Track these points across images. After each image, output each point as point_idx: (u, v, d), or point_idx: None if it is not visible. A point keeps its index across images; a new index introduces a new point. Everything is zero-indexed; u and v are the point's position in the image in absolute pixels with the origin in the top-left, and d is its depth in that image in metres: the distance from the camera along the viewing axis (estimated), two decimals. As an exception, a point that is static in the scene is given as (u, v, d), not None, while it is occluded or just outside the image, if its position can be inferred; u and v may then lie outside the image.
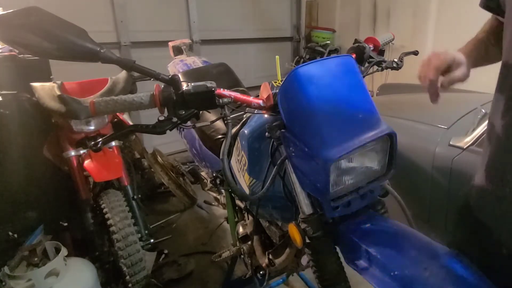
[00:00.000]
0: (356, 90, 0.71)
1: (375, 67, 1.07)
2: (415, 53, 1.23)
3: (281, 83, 0.71)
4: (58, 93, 1.48)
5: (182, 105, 0.68)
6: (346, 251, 0.73)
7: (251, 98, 0.76)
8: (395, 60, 1.10)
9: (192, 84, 0.68)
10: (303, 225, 0.74)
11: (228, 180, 0.68)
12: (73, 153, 1.59)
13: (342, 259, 0.76)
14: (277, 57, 0.96)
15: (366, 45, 1.03)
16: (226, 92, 0.72)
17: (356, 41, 1.05)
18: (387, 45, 1.18)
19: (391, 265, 0.60)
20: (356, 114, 0.68)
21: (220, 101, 0.71)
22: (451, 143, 1.34)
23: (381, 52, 1.13)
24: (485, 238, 0.67)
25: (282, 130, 0.72)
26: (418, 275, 0.56)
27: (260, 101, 0.75)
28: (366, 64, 1.04)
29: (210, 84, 0.69)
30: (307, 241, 0.74)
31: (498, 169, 0.64)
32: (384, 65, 1.07)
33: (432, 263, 0.57)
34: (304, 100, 0.68)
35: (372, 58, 1.04)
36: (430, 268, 0.56)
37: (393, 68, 1.10)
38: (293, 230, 0.75)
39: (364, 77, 0.98)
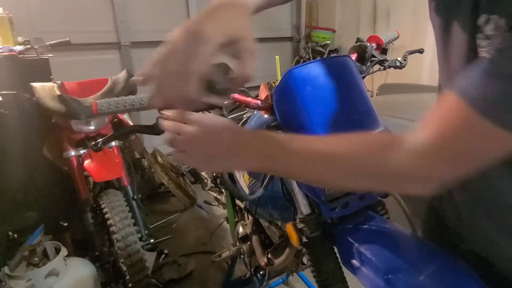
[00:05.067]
0: (353, 91, 0.70)
1: (378, 66, 1.06)
2: (420, 51, 1.21)
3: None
4: (58, 93, 1.48)
5: None
6: (342, 251, 0.73)
7: (249, 99, 0.76)
8: (399, 58, 1.09)
9: (190, 85, 0.68)
10: (300, 225, 0.74)
11: (225, 180, 0.68)
12: (73, 153, 1.59)
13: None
14: (276, 57, 0.96)
15: (368, 44, 1.02)
16: (224, 92, 0.72)
17: (358, 40, 1.05)
18: (390, 43, 1.17)
19: (385, 268, 0.59)
20: (352, 115, 0.68)
21: (219, 101, 0.71)
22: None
23: (384, 51, 1.12)
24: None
25: (279, 131, 0.72)
26: (412, 279, 0.56)
27: (259, 102, 0.75)
28: (368, 63, 1.03)
29: None
30: (305, 240, 0.74)
31: None
32: (386, 64, 1.06)
33: (428, 267, 0.56)
34: (298, 101, 0.68)
35: (375, 57, 1.04)
36: (425, 271, 0.56)
37: (396, 67, 1.08)
38: (290, 230, 0.75)
39: (365, 76, 0.98)
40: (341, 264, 0.76)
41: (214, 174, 1.48)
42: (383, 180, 0.46)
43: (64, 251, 1.32)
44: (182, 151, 0.53)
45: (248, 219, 1.25)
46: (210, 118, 0.53)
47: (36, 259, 1.26)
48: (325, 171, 0.48)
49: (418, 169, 0.43)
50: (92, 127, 1.61)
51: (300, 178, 0.54)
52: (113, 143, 1.66)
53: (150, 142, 2.92)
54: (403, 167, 0.43)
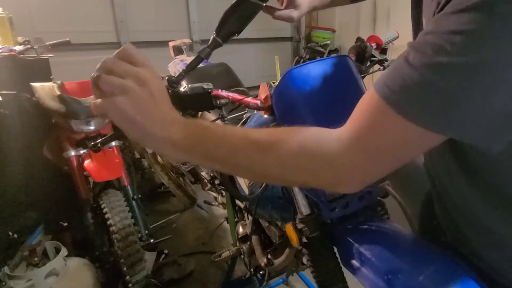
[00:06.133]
0: (353, 91, 0.70)
1: (377, 66, 1.06)
2: None
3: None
4: (58, 93, 1.49)
5: (180, 106, 0.68)
6: (342, 252, 0.73)
7: (249, 99, 0.76)
8: None
9: (189, 85, 0.68)
10: (300, 226, 0.74)
11: (224, 181, 0.68)
12: (73, 153, 1.59)
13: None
14: (276, 57, 0.97)
15: (368, 44, 1.03)
16: (223, 93, 0.72)
17: (358, 39, 1.05)
18: (390, 43, 1.17)
19: (385, 269, 0.59)
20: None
21: (218, 102, 0.71)
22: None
23: (383, 51, 1.12)
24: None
25: None
26: (412, 279, 0.56)
27: (258, 102, 0.75)
28: (368, 63, 1.03)
29: (207, 85, 0.69)
30: (305, 241, 0.74)
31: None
32: (386, 63, 1.06)
33: (428, 268, 0.56)
34: (297, 101, 0.68)
35: (375, 57, 1.04)
36: (425, 272, 0.56)
37: None
38: (290, 230, 0.75)
39: (365, 76, 0.98)
40: (341, 265, 0.76)
41: (212, 175, 1.48)
42: (309, 171, 0.46)
43: (64, 251, 1.32)
44: (110, 95, 0.45)
45: (248, 219, 1.25)
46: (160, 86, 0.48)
47: (36, 259, 1.26)
48: (249, 159, 0.47)
49: (338, 161, 0.43)
50: (92, 127, 1.60)
51: (222, 164, 0.50)
52: (113, 143, 1.66)
53: (150, 142, 2.91)
54: (325, 159, 0.44)
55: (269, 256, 1.09)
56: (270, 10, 0.81)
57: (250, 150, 0.47)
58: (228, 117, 0.81)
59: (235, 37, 0.72)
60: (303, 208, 0.74)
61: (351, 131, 0.43)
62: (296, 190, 0.75)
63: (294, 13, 0.81)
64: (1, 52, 1.62)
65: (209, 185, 1.72)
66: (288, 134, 0.48)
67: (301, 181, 0.52)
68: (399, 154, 0.43)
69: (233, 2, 0.67)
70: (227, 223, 1.45)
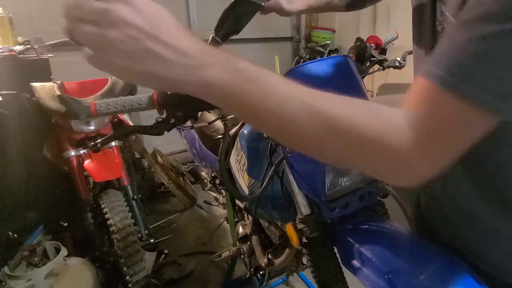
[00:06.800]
0: (353, 91, 0.70)
1: (377, 66, 1.07)
2: None
3: None
4: (58, 93, 1.48)
5: (180, 106, 0.68)
6: (342, 251, 0.73)
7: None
8: (398, 59, 1.09)
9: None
10: (300, 226, 0.74)
11: (225, 181, 0.68)
12: (73, 153, 1.59)
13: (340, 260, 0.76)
14: (276, 57, 0.97)
15: (368, 44, 1.03)
16: (224, 92, 0.72)
17: (358, 39, 1.05)
18: (391, 43, 1.18)
19: (385, 268, 0.59)
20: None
21: (218, 101, 0.71)
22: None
23: (383, 51, 1.12)
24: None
25: None
26: (412, 279, 0.56)
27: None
28: (368, 63, 1.03)
29: None
30: (305, 241, 0.74)
31: None
32: (386, 64, 1.06)
33: (428, 267, 0.57)
34: None
35: (374, 57, 1.04)
36: (425, 272, 0.56)
37: (395, 67, 1.08)
38: (290, 230, 0.75)
39: (365, 76, 0.98)
40: (341, 264, 0.76)
41: (214, 174, 1.48)
42: (372, 163, 0.41)
43: (64, 251, 1.32)
44: (100, 41, 0.35)
45: (248, 219, 1.25)
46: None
47: (36, 259, 1.26)
48: (317, 127, 0.40)
49: (406, 154, 0.38)
50: (92, 127, 1.60)
51: (273, 126, 0.41)
52: (113, 143, 1.67)
53: (150, 142, 2.91)
54: (392, 151, 0.39)
55: (269, 256, 1.09)
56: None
57: (305, 114, 0.40)
58: (229, 117, 0.80)
59: (234, 37, 0.72)
60: (303, 208, 0.74)
61: (413, 122, 0.39)
62: (296, 190, 0.75)
63: (283, 2, 0.79)
64: (1, 52, 1.61)
65: (209, 185, 1.72)
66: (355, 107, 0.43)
67: (360, 168, 0.48)
68: (462, 141, 0.38)
69: (232, 1, 0.67)
70: (227, 223, 1.45)
